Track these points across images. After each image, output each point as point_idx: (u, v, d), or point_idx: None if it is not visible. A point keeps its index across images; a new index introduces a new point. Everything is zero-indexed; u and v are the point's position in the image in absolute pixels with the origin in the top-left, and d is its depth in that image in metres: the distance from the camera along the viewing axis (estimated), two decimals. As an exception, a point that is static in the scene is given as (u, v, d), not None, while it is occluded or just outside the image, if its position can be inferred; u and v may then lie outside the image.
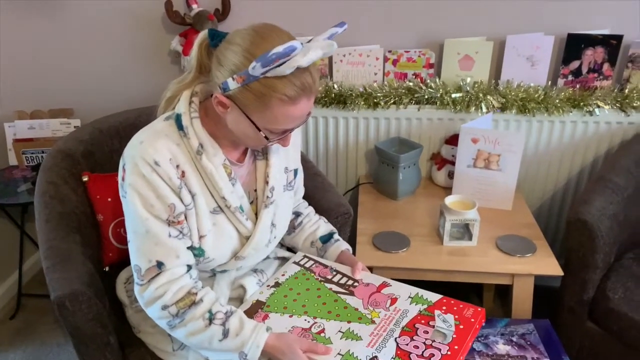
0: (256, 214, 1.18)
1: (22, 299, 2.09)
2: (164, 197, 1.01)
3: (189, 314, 1.04)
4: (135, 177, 1.01)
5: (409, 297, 1.14)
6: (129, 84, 2.04)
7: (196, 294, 1.06)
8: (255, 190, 1.19)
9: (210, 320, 1.04)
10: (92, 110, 2.04)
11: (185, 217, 1.06)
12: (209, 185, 1.08)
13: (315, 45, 0.95)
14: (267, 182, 1.17)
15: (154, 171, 1.00)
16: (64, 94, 2.07)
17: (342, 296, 1.15)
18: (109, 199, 1.43)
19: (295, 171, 1.28)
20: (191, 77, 1.09)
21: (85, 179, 1.43)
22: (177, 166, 1.03)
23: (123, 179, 1.04)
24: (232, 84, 0.95)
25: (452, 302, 1.12)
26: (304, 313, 1.11)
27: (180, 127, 1.04)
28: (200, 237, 1.09)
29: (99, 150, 1.50)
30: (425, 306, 1.11)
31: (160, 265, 1.03)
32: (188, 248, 1.08)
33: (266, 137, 1.01)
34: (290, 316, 1.11)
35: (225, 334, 1.04)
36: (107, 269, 1.43)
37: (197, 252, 1.09)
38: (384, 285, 1.19)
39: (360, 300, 1.14)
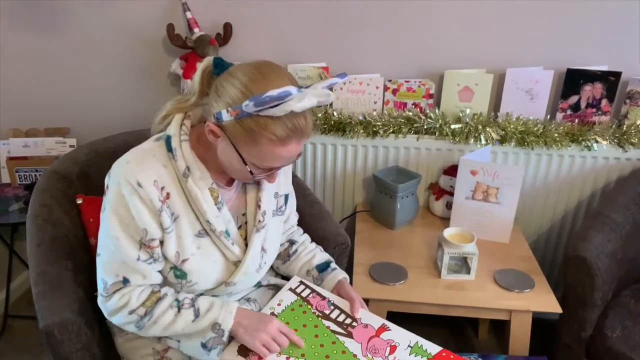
0: (245, 239, 1.18)
1: (8, 320, 2.04)
2: (139, 221, 1.02)
3: (157, 309, 1.06)
4: (115, 196, 1.02)
5: (409, 346, 1.12)
6: (126, 105, 2.03)
7: (159, 291, 1.08)
8: (244, 215, 1.18)
9: (179, 307, 1.07)
10: (89, 129, 2.03)
11: (162, 242, 1.06)
12: (194, 208, 1.08)
13: (312, 92, 0.96)
14: (259, 207, 1.17)
15: (135, 193, 1.00)
16: (60, 113, 2.05)
17: (341, 338, 1.13)
18: (103, 223, 1.40)
19: (286, 197, 1.28)
20: (192, 101, 1.09)
21: (79, 201, 1.41)
22: (162, 188, 1.03)
23: (105, 194, 1.05)
24: (226, 116, 0.96)
25: (452, 356, 1.11)
26: (301, 356, 1.08)
27: (169, 148, 1.05)
28: (183, 260, 1.08)
29: (94, 172, 1.48)
30: (425, 358, 1.10)
31: (125, 281, 1.06)
32: (159, 271, 1.09)
33: (251, 172, 1.02)
34: (287, 358, 1.08)
35: (197, 314, 1.07)
36: (97, 294, 1.40)
37: (179, 274, 1.09)
38: (383, 328, 1.16)
39: (359, 345, 1.11)
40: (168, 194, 1.04)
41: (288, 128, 0.95)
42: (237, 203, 1.18)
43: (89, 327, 1.16)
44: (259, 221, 1.17)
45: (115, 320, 1.08)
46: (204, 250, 1.10)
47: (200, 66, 1.06)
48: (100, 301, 1.09)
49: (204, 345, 1.06)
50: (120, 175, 1.01)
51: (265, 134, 0.95)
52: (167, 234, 1.05)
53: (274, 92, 0.90)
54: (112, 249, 1.04)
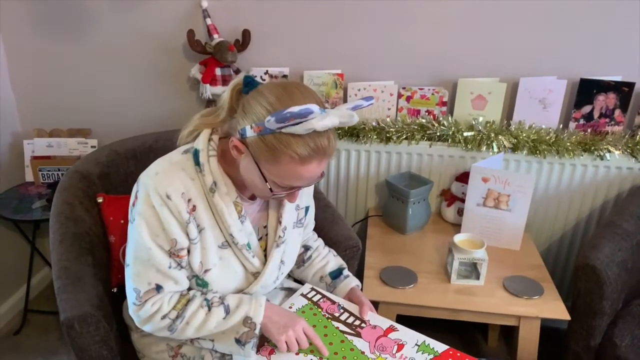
0: (264, 250, 1.20)
1: (27, 314, 2.10)
2: (169, 231, 1.04)
3: (188, 311, 1.08)
4: (146, 206, 1.03)
5: (416, 344, 1.15)
6: (146, 108, 2.08)
7: (187, 294, 1.11)
8: (265, 227, 1.20)
9: (209, 306, 1.09)
10: (110, 131, 2.09)
11: (188, 251, 1.08)
12: (218, 221, 1.09)
13: (335, 112, 0.96)
14: (280, 222, 1.19)
15: (165, 204, 1.02)
16: (83, 114, 2.12)
17: (349, 337, 1.15)
18: (122, 221, 1.45)
19: (307, 209, 1.30)
20: (221, 118, 1.10)
21: (99, 200, 1.45)
22: (189, 200, 1.05)
23: (134, 205, 1.07)
24: (250, 132, 0.98)
25: (459, 354, 1.13)
26: (310, 352, 1.11)
27: (197, 162, 1.07)
28: (205, 270, 1.10)
29: (114, 172, 1.54)
30: (432, 356, 1.12)
31: (159, 288, 1.07)
32: (187, 277, 1.11)
33: (271, 189, 1.03)
34: (297, 354, 1.11)
35: (227, 310, 1.09)
36: (115, 290, 1.45)
37: (201, 283, 1.11)
38: (391, 329, 1.19)
39: (367, 343, 1.14)
40: (194, 206, 1.06)
41: (310, 147, 0.95)
42: (259, 216, 1.20)
43: (107, 321, 1.20)
44: (279, 237, 1.19)
45: (148, 327, 1.09)
46: (225, 262, 1.13)
47: (231, 84, 1.08)
48: (132, 311, 1.09)
49: (237, 341, 1.08)
50: (150, 187, 1.03)
51: (286, 151, 0.95)
52: (193, 245, 1.08)
53: (295, 109, 0.91)
54: (145, 259, 1.05)
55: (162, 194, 1.02)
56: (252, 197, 1.17)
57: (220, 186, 1.07)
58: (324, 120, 0.93)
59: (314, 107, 0.92)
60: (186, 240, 1.06)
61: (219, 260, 1.12)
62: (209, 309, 1.09)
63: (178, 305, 1.08)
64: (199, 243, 1.08)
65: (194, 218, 1.06)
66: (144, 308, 1.07)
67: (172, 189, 1.03)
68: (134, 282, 1.07)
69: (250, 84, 1.03)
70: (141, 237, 1.04)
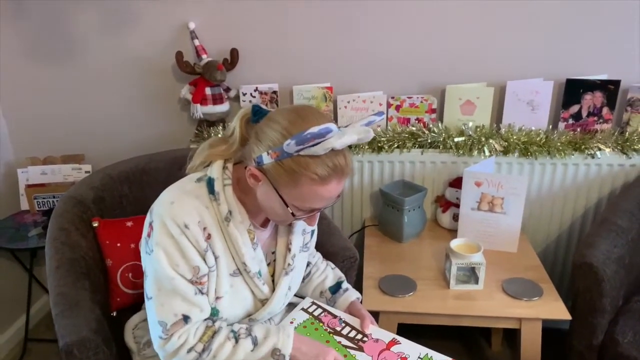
0: (272, 276, 1.19)
1: (28, 343, 2.09)
2: (190, 259, 1.02)
3: (215, 343, 1.04)
4: (164, 236, 1.01)
5: (419, 357, 1.14)
6: (139, 130, 2.10)
7: (213, 325, 1.07)
8: (274, 253, 1.20)
9: (237, 338, 1.06)
10: (103, 155, 2.10)
11: (207, 278, 1.07)
12: (231, 249, 1.08)
13: (351, 130, 0.97)
14: (289, 249, 1.19)
15: (183, 233, 1.01)
16: (76, 140, 2.13)
17: (352, 351, 1.15)
18: (118, 244, 1.45)
19: (312, 232, 1.30)
20: (234, 149, 1.09)
21: (95, 224, 1.46)
22: (204, 229, 1.04)
23: (149, 236, 1.04)
24: (267, 159, 0.97)
25: None
26: None
27: (211, 191, 1.06)
28: (217, 298, 1.09)
29: (109, 196, 1.54)
30: None
31: (186, 318, 1.04)
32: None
33: (293, 214, 1.02)
34: None
35: (255, 342, 1.06)
36: (114, 314, 1.44)
37: (212, 311, 1.10)
38: (394, 342, 1.18)
39: (369, 357, 1.13)
40: (210, 234, 1.04)
41: (329, 167, 0.95)
42: (269, 242, 1.20)
43: (107, 345, 1.20)
44: (288, 264, 1.18)
45: None
46: (235, 289, 1.12)
47: (238, 114, 1.07)
48: (157, 345, 1.05)
49: None
50: (166, 216, 1.01)
51: (306, 173, 0.95)
52: (211, 273, 1.07)
53: (315, 129, 0.91)
54: (169, 288, 1.02)
55: (180, 223, 1.01)
56: (264, 224, 1.16)
57: (235, 215, 1.06)
58: (342, 138, 0.93)
59: (333, 126, 0.93)
60: (206, 267, 1.05)
61: (230, 288, 1.10)
62: (237, 341, 1.05)
63: (204, 337, 1.04)
64: (215, 271, 1.07)
65: (210, 246, 1.05)
66: (170, 341, 1.03)
67: (189, 218, 1.01)
68: (158, 315, 1.03)
69: (258, 112, 1.03)
70: (162, 268, 1.01)
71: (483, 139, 1.82)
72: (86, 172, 2.06)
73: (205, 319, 1.08)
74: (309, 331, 1.20)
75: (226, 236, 1.07)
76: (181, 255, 1.01)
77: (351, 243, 1.58)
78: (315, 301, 1.30)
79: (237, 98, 1.97)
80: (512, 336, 1.98)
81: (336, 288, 1.33)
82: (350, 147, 1.02)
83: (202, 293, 1.06)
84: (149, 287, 1.05)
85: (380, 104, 1.90)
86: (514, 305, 1.51)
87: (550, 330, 1.57)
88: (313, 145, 0.92)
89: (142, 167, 1.62)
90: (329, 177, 0.97)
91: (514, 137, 1.81)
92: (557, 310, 1.49)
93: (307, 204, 1.01)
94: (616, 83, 1.80)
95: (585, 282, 1.46)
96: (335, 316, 1.25)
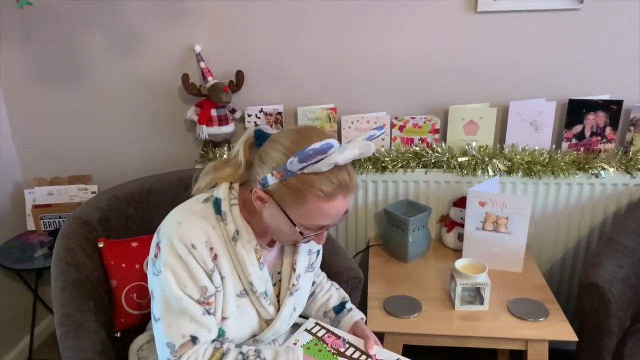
0: (277, 296, 1.19)
1: (32, 364, 2.09)
2: (198, 280, 1.02)
3: None
4: (172, 257, 1.02)
5: None
6: (145, 151, 2.12)
7: (221, 347, 1.07)
8: (279, 273, 1.20)
9: (246, 359, 1.05)
10: (110, 176, 2.12)
11: (215, 298, 1.07)
12: (238, 269, 1.09)
13: (353, 144, 0.97)
14: (294, 270, 1.19)
15: (190, 253, 1.01)
16: (82, 161, 2.15)
17: None
18: (123, 265, 1.46)
19: (318, 252, 1.30)
20: (240, 173, 1.10)
21: (100, 245, 1.46)
22: (211, 249, 1.04)
23: (156, 256, 1.05)
24: (271, 180, 0.98)
25: None
26: None
27: (218, 211, 1.07)
28: (223, 318, 1.09)
29: (115, 217, 1.55)
30: None
31: (194, 339, 1.03)
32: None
33: (301, 233, 1.03)
34: None
35: None
36: (118, 334, 1.44)
37: (219, 332, 1.09)
38: None
39: None
40: (216, 255, 1.05)
41: (333, 183, 0.96)
42: (275, 262, 1.20)
43: (111, 366, 1.20)
44: (293, 285, 1.18)
45: None
46: (242, 310, 1.11)
47: (241, 139, 1.09)
48: None
49: None
50: (174, 237, 1.02)
51: (311, 190, 0.96)
52: (217, 293, 1.07)
53: (316, 145, 0.91)
54: (178, 309, 1.02)
55: (187, 243, 1.01)
56: (270, 244, 1.17)
57: (242, 234, 1.07)
58: (344, 153, 0.94)
59: (334, 142, 0.94)
60: (213, 288, 1.05)
61: (236, 309, 1.10)
62: None
63: (213, 358, 1.04)
64: (222, 291, 1.07)
65: (216, 266, 1.05)
66: None
67: (196, 238, 1.02)
68: (166, 336, 1.03)
69: (261, 136, 1.05)
70: (170, 288, 1.01)
71: (486, 159, 1.83)
72: (92, 192, 2.08)
73: (213, 340, 1.08)
74: (312, 352, 1.19)
75: (233, 256, 1.07)
76: (189, 276, 1.02)
77: (355, 263, 1.58)
78: (318, 322, 1.30)
79: (242, 119, 2.00)
80: (518, 357, 1.96)
81: (340, 308, 1.33)
82: (353, 164, 1.03)
83: (210, 313, 1.05)
84: (157, 308, 1.05)
85: (384, 124, 1.91)
86: (520, 326, 1.50)
87: (556, 352, 1.55)
88: (316, 162, 0.93)
89: (148, 187, 1.64)
90: (334, 193, 0.97)
91: (518, 157, 1.82)
92: (563, 331, 1.47)
93: (314, 221, 1.01)
94: (619, 103, 1.81)
95: (592, 302, 1.45)
96: (339, 337, 1.25)
